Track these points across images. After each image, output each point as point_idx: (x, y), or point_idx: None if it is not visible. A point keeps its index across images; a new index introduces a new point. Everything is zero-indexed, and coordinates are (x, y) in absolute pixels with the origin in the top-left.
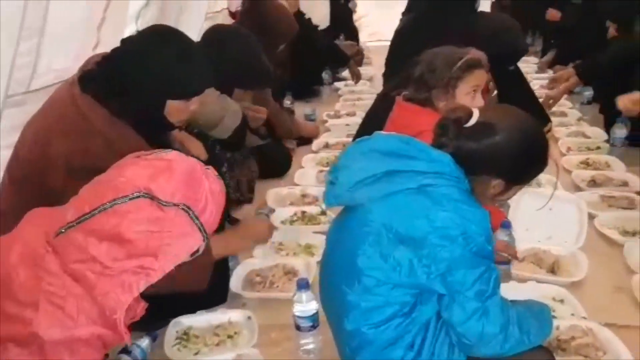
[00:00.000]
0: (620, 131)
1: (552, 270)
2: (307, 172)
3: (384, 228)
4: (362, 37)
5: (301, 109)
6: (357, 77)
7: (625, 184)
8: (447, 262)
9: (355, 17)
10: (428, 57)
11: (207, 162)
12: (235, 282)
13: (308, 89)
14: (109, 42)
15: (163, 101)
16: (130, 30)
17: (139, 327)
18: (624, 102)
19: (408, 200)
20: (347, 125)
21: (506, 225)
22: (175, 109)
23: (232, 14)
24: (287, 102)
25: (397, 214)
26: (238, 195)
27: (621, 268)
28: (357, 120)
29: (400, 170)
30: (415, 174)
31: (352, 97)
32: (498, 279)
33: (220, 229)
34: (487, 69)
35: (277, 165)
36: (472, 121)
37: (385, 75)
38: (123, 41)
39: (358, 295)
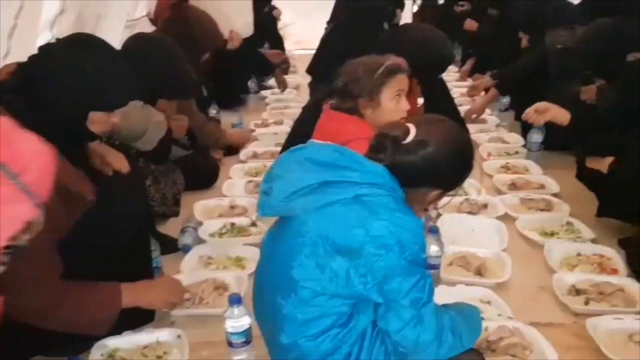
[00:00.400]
0: (537, 136)
1: (479, 272)
2: (236, 182)
3: (320, 239)
4: (288, 45)
5: (228, 119)
6: (283, 85)
7: (542, 186)
8: (383, 271)
9: (280, 25)
10: (350, 68)
11: (130, 175)
12: None
13: (234, 98)
14: (21, 51)
15: (85, 113)
16: (44, 38)
17: (59, 350)
18: (529, 115)
19: (344, 210)
20: (275, 134)
21: (434, 231)
22: (97, 120)
23: (154, 22)
24: (212, 111)
25: (333, 224)
26: (164, 208)
27: (542, 268)
28: (285, 129)
29: (336, 181)
30: (351, 184)
31: (280, 105)
32: (432, 286)
33: (145, 243)
34: (409, 72)
35: (203, 176)
36: (410, 138)
37: (311, 84)
38: (41, 49)
39: (294, 307)
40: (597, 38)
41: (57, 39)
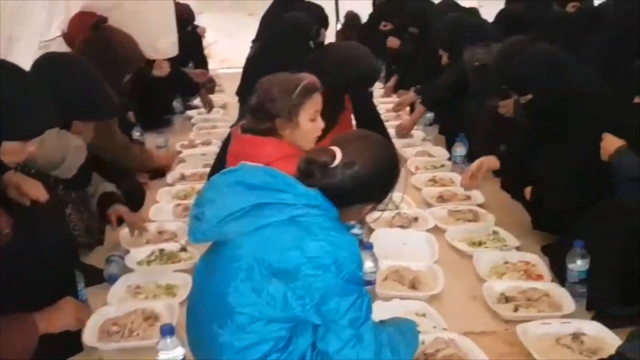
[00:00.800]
0: (460, 150)
1: (413, 285)
2: (163, 206)
3: (256, 262)
4: (213, 64)
5: (152, 140)
6: (209, 105)
7: (468, 197)
8: (321, 291)
9: (204, 44)
10: (264, 86)
11: (49, 204)
12: (89, 334)
13: (158, 119)
14: None
15: None
16: None
17: None
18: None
19: (279, 232)
20: (203, 155)
21: (368, 247)
22: (10, 151)
23: (69, 42)
24: (136, 133)
25: (268, 247)
26: (88, 238)
27: (473, 277)
28: (214, 149)
29: (269, 203)
30: (285, 205)
31: (207, 125)
32: (370, 304)
33: (69, 275)
34: (322, 91)
35: (129, 201)
36: (337, 161)
37: (240, 103)
38: None
39: (231, 335)
40: (511, 54)
41: None
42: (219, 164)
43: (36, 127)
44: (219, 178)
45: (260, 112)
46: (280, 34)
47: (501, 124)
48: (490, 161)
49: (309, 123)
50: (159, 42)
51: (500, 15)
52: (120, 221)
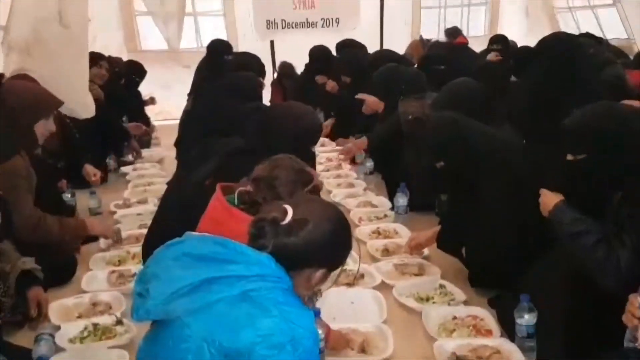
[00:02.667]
0: (402, 200)
1: (363, 349)
2: (97, 275)
3: (206, 342)
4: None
5: (84, 201)
6: (137, 152)
7: None
8: None
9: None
10: (280, 164)
11: None
12: None
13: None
14: None
15: None
16: None
17: None
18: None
19: (230, 309)
20: (139, 214)
21: (316, 314)
22: None
23: None
24: (67, 195)
25: (219, 326)
26: (14, 315)
27: (423, 336)
28: (150, 208)
29: (219, 277)
30: (236, 279)
31: (142, 182)
32: None
33: None
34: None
35: (58, 270)
36: (288, 218)
37: (178, 155)
38: None
39: None
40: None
41: None
42: (158, 226)
43: None
44: (163, 251)
45: (266, 186)
46: (224, 89)
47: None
48: (425, 237)
49: None
50: (71, 104)
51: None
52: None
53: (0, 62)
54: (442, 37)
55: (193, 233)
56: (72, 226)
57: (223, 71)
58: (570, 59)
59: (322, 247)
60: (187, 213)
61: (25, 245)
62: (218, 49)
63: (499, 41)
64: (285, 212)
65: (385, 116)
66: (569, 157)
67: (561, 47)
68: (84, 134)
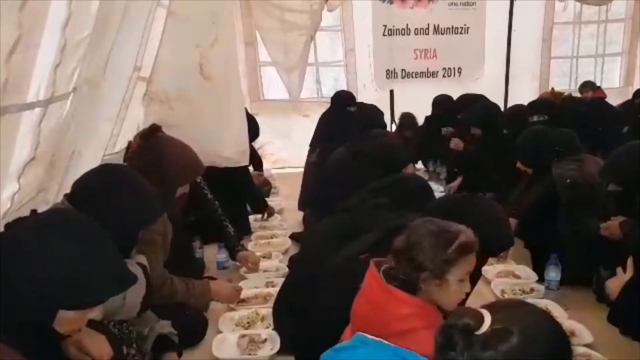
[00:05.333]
0: (555, 274)
1: None
2: (227, 338)
3: None
4: (266, 164)
5: (211, 254)
6: (270, 213)
7: (572, 334)
8: None
9: (257, 145)
10: (416, 230)
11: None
12: None
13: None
14: None
15: (53, 313)
16: (11, 190)
17: None
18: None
19: None
20: (265, 271)
21: None
22: (67, 321)
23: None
24: (198, 250)
25: None
26: None
27: None
28: (276, 264)
29: None
30: None
31: (265, 234)
32: None
33: None
34: (477, 250)
35: (189, 331)
36: (485, 327)
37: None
38: (7, 227)
39: None
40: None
41: (35, 213)
42: (291, 292)
43: (102, 292)
44: (333, 357)
45: (405, 259)
46: (366, 155)
47: (601, 247)
48: None
49: (457, 283)
50: (230, 151)
51: None
52: None
53: (142, 114)
54: (575, 90)
55: (366, 335)
56: (198, 292)
57: (348, 123)
58: None
59: None
60: (329, 284)
61: (160, 308)
62: (342, 100)
63: None
64: (482, 319)
65: (533, 180)
66: None
67: None
68: (212, 187)
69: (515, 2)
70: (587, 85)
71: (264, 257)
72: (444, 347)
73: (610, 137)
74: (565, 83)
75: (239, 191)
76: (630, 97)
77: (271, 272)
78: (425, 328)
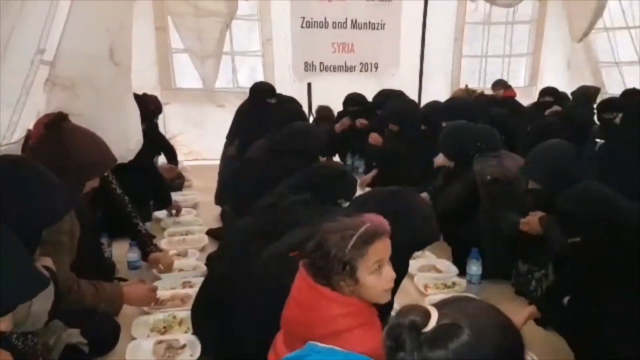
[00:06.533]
0: (476, 268)
1: None
2: (141, 345)
3: None
4: (179, 156)
5: (121, 252)
6: (177, 211)
7: None
8: None
9: (168, 136)
10: (323, 235)
11: None
12: None
13: (128, 226)
14: None
15: None
16: None
17: None
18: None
19: None
20: (181, 270)
21: None
22: None
23: (25, 144)
24: (107, 249)
25: None
26: None
27: None
28: (192, 262)
29: None
30: None
31: (179, 230)
32: None
33: None
34: (389, 234)
35: (99, 340)
36: (432, 323)
37: (226, 213)
38: None
39: None
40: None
41: None
42: (210, 293)
43: (12, 299)
44: None
45: (315, 266)
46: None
47: (520, 242)
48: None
49: (371, 277)
50: (131, 143)
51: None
52: None
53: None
54: (485, 88)
55: (317, 344)
56: (108, 295)
57: (268, 116)
58: None
59: None
60: (254, 284)
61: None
62: (261, 92)
63: (551, 93)
64: (428, 315)
65: (453, 175)
66: None
67: None
68: (121, 181)
69: (429, 1)
70: (499, 84)
71: (178, 255)
72: (392, 348)
73: (519, 135)
74: (474, 81)
75: (143, 185)
76: (534, 96)
77: (188, 272)
78: (359, 326)
